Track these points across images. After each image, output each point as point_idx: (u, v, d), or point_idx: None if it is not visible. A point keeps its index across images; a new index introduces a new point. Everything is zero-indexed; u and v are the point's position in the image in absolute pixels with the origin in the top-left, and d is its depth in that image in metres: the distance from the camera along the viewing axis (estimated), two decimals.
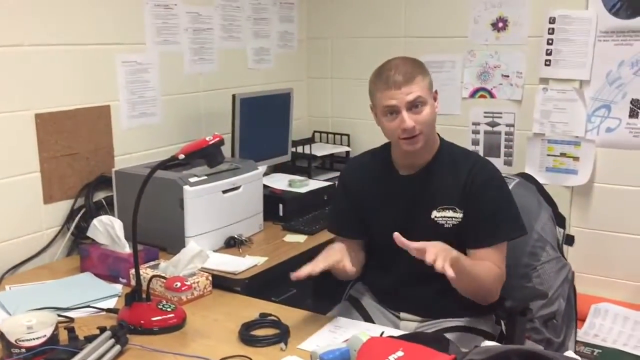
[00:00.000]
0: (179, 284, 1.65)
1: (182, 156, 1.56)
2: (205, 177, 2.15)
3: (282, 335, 1.60)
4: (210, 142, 1.56)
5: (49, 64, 2.17)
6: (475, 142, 3.08)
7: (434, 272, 1.77)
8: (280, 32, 3.24)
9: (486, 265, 1.74)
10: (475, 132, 3.07)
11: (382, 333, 1.45)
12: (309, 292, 2.24)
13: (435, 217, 1.80)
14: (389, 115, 1.74)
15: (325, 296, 2.17)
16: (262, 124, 2.75)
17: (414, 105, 1.72)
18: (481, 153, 3.05)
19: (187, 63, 2.72)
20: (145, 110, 2.54)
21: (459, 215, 1.79)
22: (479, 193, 1.77)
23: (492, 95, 3.01)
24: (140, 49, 2.50)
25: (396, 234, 1.57)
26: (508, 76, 2.95)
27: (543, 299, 1.93)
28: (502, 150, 3.03)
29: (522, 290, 1.80)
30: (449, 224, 1.79)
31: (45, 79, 2.16)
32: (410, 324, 1.86)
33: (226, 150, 2.69)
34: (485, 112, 3.04)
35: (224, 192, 2.20)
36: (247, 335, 1.60)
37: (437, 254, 1.53)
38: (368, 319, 1.91)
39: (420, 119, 1.73)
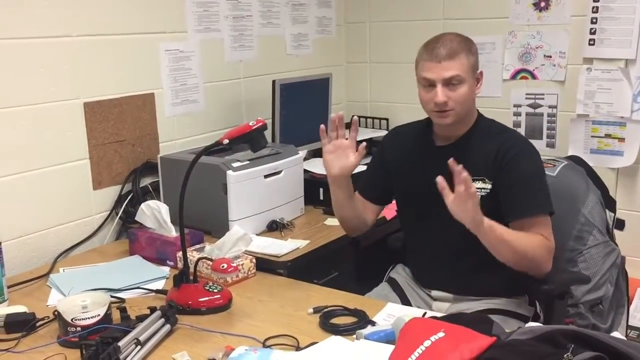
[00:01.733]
0: (225, 266, 1.69)
1: (226, 141, 1.59)
2: (248, 162, 2.19)
3: (362, 322, 1.59)
4: (254, 127, 1.59)
5: (95, 54, 2.23)
6: (516, 125, 3.04)
7: (466, 247, 1.80)
8: (318, 18, 3.25)
9: (529, 234, 1.74)
10: (517, 114, 3.04)
11: (425, 314, 1.46)
12: (350, 274, 2.27)
13: None
14: (427, 87, 1.78)
15: (367, 278, 2.19)
16: (302, 109, 2.77)
17: (451, 82, 1.73)
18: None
19: (228, 50, 2.76)
20: (187, 97, 2.59)
21: (488, 186, 1.80)
22: (510, 165, 1.78)
23: (534, 77, 2.96)
24: (182, 37, 2.54)
25: (439, 178, 1.62)
26: (550, 57, 2.90)
27: (585, 284, 1.92)
28: (545, 132, 2.98)
29: (562, 273, 1.78)
30: (478, 194, 1.79)
31: (92, 68, 2.22)
32: (442, 305, 1.88)
33: (267, 135, 2.71)
34: (527, 94, 3.00)
35: (266, 176, 2.24)
36: (327, 324, 1.60)
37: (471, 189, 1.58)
38: (405, 300, 1.94)
39: (454, 97, 1.74)
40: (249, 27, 2.84)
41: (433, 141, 1.91)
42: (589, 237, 2.01)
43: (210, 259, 1.82)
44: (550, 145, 2.98)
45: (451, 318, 1.39)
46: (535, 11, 2.90)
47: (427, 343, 1.20)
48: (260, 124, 1.61)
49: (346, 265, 2.27)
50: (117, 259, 2.12)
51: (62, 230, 2.20)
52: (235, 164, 2.15)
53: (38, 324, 1.64)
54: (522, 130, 3.02)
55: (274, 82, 2.60)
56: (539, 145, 2.96)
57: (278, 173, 2.29)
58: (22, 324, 1.61)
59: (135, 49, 2.37)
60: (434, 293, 1.93)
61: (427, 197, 1.88)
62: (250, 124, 1.60)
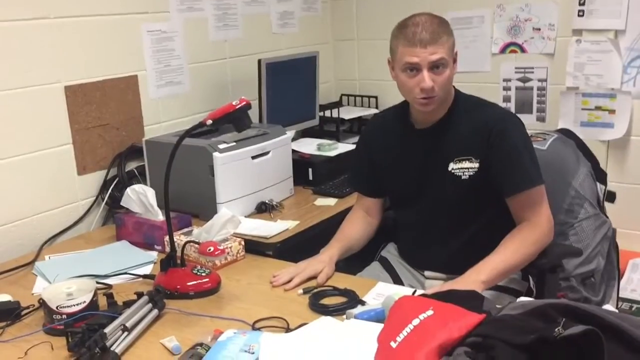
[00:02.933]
0: (212, 249, 1.67)
1: (209, 122, 1.56)
2: (234, 144, 2.16)
3: (352, 302, 1.57)
4: (237, 107, 1.55)
5: (75, 36, 2.18)
6: (506, 99, 3.01)
7: (456, 228, 1.78)
8: None
9: (516, 238, 1.72)
10: (507, 88, 3.01)
11: (414, 292, 1.44)
12: None
13: (452, 169, 1.79)
14: (409, 72, 1.72)
15: (358, 257, 2.17)
16: (289, 88, 2.73)
17: (436, 66, 1.69)
18: (513, 110, 2.99)
19: (212, 30, 2.70)
20: (172, 79, 2.54)
21: (475, 165, 1.77)
22: (498, 139, 1.74)
23: (523, 50, 2.93)
24: (164, 17, 2.49)
25: None
26: (539, 29, 2.86)
27: (577, 257, 1.90)
28: (535, 106, 2.96)
29: (554, 247, 1.77)
30: (465, 175, 1.78)
31: (72, 50, 2.17)
32: (435, 283, 1.86)
33: (254, 116, 2.68)
34: (516, 68, 2.97)
35: (253, 157, 2.21)
36: (317, 304, 1.58)
37: None
38: (397, 279, 1.93)
39: (440, 81, 1.70)
40: (232, 5, 2.78)
41: (412, 125, 1.87)
42: (580, 210, 2.00)
43: (198, 243, 1.80)
44: (541, 119, 2.95)
45: (442, 295, 1.37)
46: None
47: (415, 321, 1.18)
48: (244, 103, 1.58)
49: None
50: (104, 244, 2.09)
51: (47, 217, 2.17)
52: (221, 146, 2.11)
53: (23, 313, 1.62)
54: (512, 105, 3.00)
55: (259, 61, 2.55)
56: (529, 119, 2.95)
57: (266, 154, 2.26)
58: (6, 313, 1.58)
59: (117, 30, 2.31)
60: (427, 273, 1.91)
61: (412, 181, 1.86)
62: (234, 103, 1.56)
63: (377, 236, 2.14)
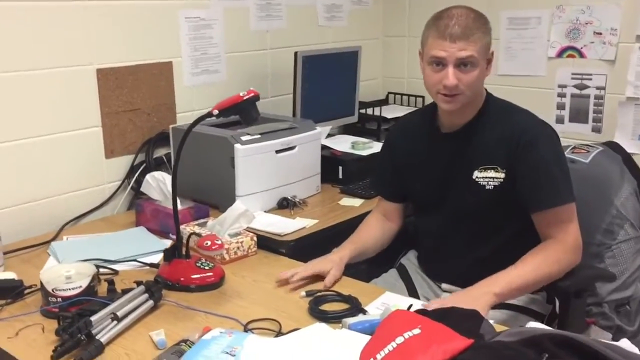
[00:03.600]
0: (209, 243, 1.62)
1: (215, 112, 1.51)
2: (259, 136, 2.10)
3: (352, 310, 1.49)
4: (245, 98, 1.50)
5: (110, 19, 2.18)
6: (560, 107, 2.83)
7: (477, 240, 1.66)
8: None
9: (539, 254, 1.59)
10: (561, 95, 2.82)
11: (410, 307, 1.35)
12: None
13: (477, 177, 1.67)
14: (435, 66, 1.62)
15: (379, 262, 2.08)
16: (328, 83, 2.66)
17: (463, 64, 1.58)
18: (567, 119, 2.81)
19: (253, 19, 2.66)
20: (208, 67, 2.52)
21: (501, 175, 1.65)
22: (526, 150, 1.62)
23: (581, 55, 2.74)
24: (204, 5, 2.46)
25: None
26: (601, 33, 2.66)
27: (610, 282, 1.75)
28: (591, 115, 2.76)
29: (583, 269, 1.62)
30: (490, 185, 1.66)
31: (106, 34, 2.18)
32: None
33: (287, 109, 2.66)
34: (573, 74, 2.78)
35: (278, 151, 2.15)
36: (316, 309, 1.51)
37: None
38: (412, 289, 1.83)
39: (466, 80, 1.59)
40: None
41: (438, 128, 1.77)
42: (620, 231, 1.84)
43: (199, 235, 1.75)
44: (596, 129, 2.76)
45: (440, 312, 1.27)
46: None
47: (399, 339, 1.10)
48: (252, 94, 1.52)
49: None
50: (123, 229, 2.08)
51: (72, 198, 2.18)
52: (244, 137, 2.06)
53: (26, 292, 1.62)
54: (566, 113, 2.82)
55: (296, 53, 2.49)
56: (584, 129, 2.76)
57: (292, 148, 2.19)
58: (7, 291, 1.58)
59: (153, 15, 2.30)
60: (444, 286, 1.81)
61: (434, 187, 1.76)
62: (241, 94, 1.51)
63: (399, 242, 2.05)
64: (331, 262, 1.70)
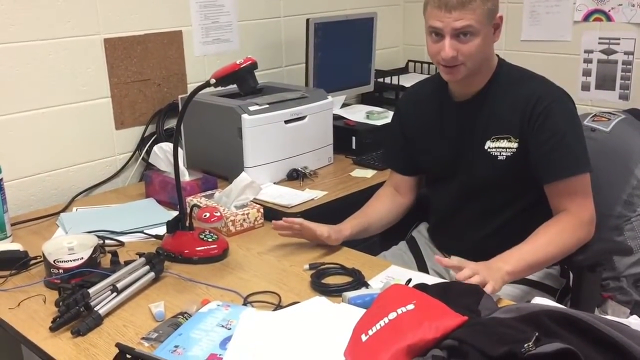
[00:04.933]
0: (208, 215, 1.59)
1: (213, 81, 1.47)
2: (267, 106, 2.06)
3: (355, 283, 1.46)
4: (242, 66, 1.45)
5: None
6: (586, 73, 2.71)
7: (488, 212, 1.61)
8: None
9: (550, 229, 1.52)
10: (588, 61, 2.70)
11: (409, 281, 1.30)
12: None
13: (489, 147, 1.61)
14: (434, 36, 1.55)
15: (390, 235, 2.04)
16: (342, 51, 2.59)
17: (462, 34, 1.50)
18: (593, 85, 2.69)
19: None
20: (219, 36, 2.47)
21: (514, 145, 1.58)
22: (541, 119, 1.54)
23: (609, 18, 2.61)
24: None
25: (436, 258, 1.43)
26: None
27: (627, 255, 1.68)
28: (618, 82, 2.64)
29: (598, 242, 1.55)
30: (502, 155, 1.59)
31: (113, 3, 2.14)
32: None
33: (299, 79, 2.61)
34: (600, 38, 2.65)
35: (287, 122, 2.10)
36: (318, 283, 1.48)
37: (478, 271, 1.37)
38: (421, 262, 1.79)
39: (465, 50, 1.51)
40: None
41: (450, 97, 1.70)
42: None
43: (199, 207, 1.73)
44: (624, 97, 2.64)
45: (440, 287, 1.23)
46: None
47: (392, 315, 1.06)
48: (249, 62, 1.47)
49: None
50: (133, 200, 2.08)
51: (83, 169, 2.18)
52: (252, 108, 2.02)
53: (31, 263, 1.63)
54: (592, 80, 2.70)
55: (307, 20, 2.42)
56: (611, 96, 2.65)
57: (302, 119, 2.14)
58: (12, 262, 1.59)
59: None
60: (454, 258, 1.75)
61: (446, 158, 1.70)
62: (238, 62, 1.46)
63: (411, 215, 2.00)
64: (330, 227, 1.66)
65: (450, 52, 1.51)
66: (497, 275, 1.40)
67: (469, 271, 1.34)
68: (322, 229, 1.63)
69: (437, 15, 1.51)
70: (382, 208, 1.82)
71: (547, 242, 1.51)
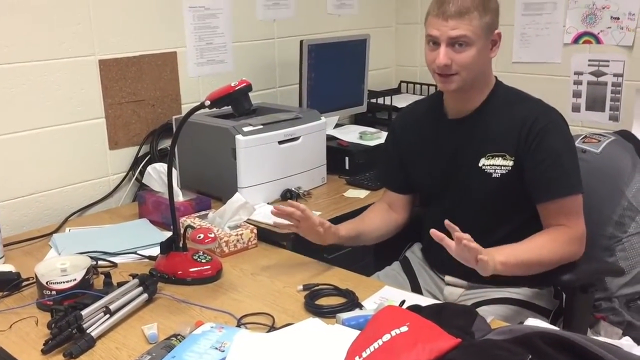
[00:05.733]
0: (202, 236, 1.60)
1: (207, 102, 1.48)
2: (261, 127, 2.07)
3: (349, 305, 1.46)
4: (236, 88, 1.47)
5: (111, 10, 2.16)
6: (576, 94, 2.75)
7: (482, 230, 1.62)
8: None
9: (546, 236, 1.54)
10: (578, 82, 2.74)
11: (403, 302, 1.31)
12: (366, 250, 2.11)
13: (484, 165, 1.63)
14: (431, 45, 1.60)
15: (384, 255, 2.04)
16: (335, 73, 2.61)
17: (457, 43, 1.54)
18: (583, 107, 2.73)
19: (260, 8, 2.62)
20: (214, 57, 2.49)
21: (509, 163, 1.60)
22: (537, 139, 1.57)
23: (598, 41, 2.65)
24: None
25: (447, 222, 1.43)
26: (618, 18, 2.57)
27: (618, 276, 1.69)
28: (608, 103, 2.67)
29: (589, 263, 1.56)
30: (497, 172, 1.61)
31: (108, 25, 2.16)
32: (455, 290, 1.71)
33: (293, 99, 2.63)
34: (589, 60, 2.69)
35: (281, 142, 2.11)
36: (312, 304, 1.48)
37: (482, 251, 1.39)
38: (415, 282, 1.79)
39: (459, 59, 1.54)
40: None
41: (445, 114, 1.72)
42: (631, 223, 1.77)
43: (193, 228, 1.73)
44: (613, 118, 2.67)
45: (433, 308, 1.23)
46: None
47: (386, 337, 1.06)
48: (244, 84, 1.49)
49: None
50: (127, 221, 2.07)
51: (77, 190, 2.18)
52: (246, 128, 2.04)
53: (23, 285, 1.62)
54: (582, 101, 2.73)
55: (301, 42, 2.44)
56: (601, 117, 2.68)
57: (295, 139, 2.16)
58: (4, 283, 1.58)
59: (156, 5, 2.28)
60: (448, 278, 1.76)
61: (440, 175, 1.72)
62: (232, 84, 1.48)
63: (405, 235, 2.01)
64: (325, 223, 1.67)
65: (444, 59, 1.54)
66: (491, 259, 1.42)
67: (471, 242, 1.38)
68: (321, 219, 1.64)
69: (435, 24, 1.55)
70: (377, 219, 1.83)
71: (540, 245, 1.53)
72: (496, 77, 1.71)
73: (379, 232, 1.82)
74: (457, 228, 1.40)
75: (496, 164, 1.63)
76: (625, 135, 1.95)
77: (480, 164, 1.64)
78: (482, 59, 1.59)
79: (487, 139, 1.64)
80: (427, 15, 1.61)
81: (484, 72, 1.64)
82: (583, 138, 1.93)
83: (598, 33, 2.64)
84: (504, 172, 1.61)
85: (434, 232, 1.42)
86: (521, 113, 1.62)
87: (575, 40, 2.71)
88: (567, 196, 1.56)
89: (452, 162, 1.70)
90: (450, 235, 1.72)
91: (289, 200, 1.68)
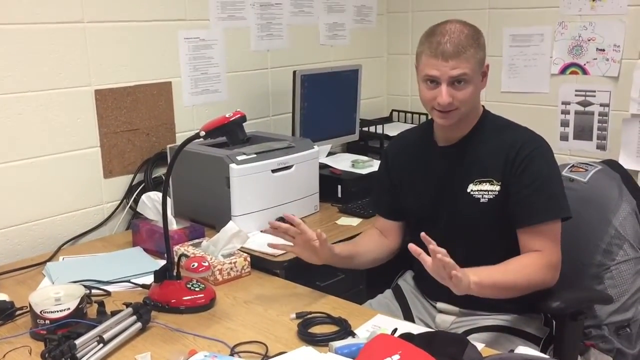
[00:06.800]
0: (196, 264, 1.61)
1: (202, 133, 1.51)
2: (254, 156, 2.10)
3: (341, 333, 1.47)
4: (231, 119, 1.50)
5: (108, 41, 2.20)
6: (564, 124, 2.80)
7: (472, 256, 1.64)
8: (357, 7, 3.12)
9: (521, 261, 1.57)
10: (565, 112, 2.79)
11: (395, 330, 1.32)
12: (359, 277, 2.14)
13: (472, 190, 1.66)
14: (429, 84, 1.62)
15: (377, 283, 2.06)
16: (328, 102, 2.65)
17: (457, 81, 1.57)
18: (571, 136, 2.78)
19: (254, 39, 2.67)
20: (208, 87, 2.53)
21: (496, 188, 1.64)
22: (523, 165, 1.61)
23: (585, 72, 2.71)
24: (203, 25, 2.48)
25: (422, 235, 1.44)
26: (604, 50, 2.64)
27: (607, 304, 1.71)
28: (595, 132, 2.73)
29: (578, 291, 1.59)
30: (485, 198, 1.65)
31: (104, 55, 2.19)
32: (447, 317, 1.73)
33: (286, 128, 2.66)
34: (576, 91, 2.75)
35: (274, 171, 2.14)
36: (305, 332, 1.49)
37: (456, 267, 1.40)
38: (407, 310, 1.80)
39: (460, 96, 1.58)
40: (277, 15, 2.74)
41: (435, 142, 1.76)
42: (619, 251, 1.80)
43: (187, 256, 1.75)
44: (601, 147, 2.72)
45: (425, 337, 1.25)
46: (588, 0, 2.64)
47: None
48: (238, 116, 1.52)
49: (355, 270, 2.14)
50: (120, 249, 2.08)
51: (70, 218, 2.19)
52: (240, 157, 2.06)
53: (17, 314, 1.62)
54: (570, 130, 2.79)
55: (294, 72, 2.49)
56: (588, 146, 2.73)
57: (288, 168, 2.19)
58: None
59: (151, 36, 2.32)
60: (439, 305, 1.78)
61: (429, 201, 1.75)
62: (227, 115, 1.51)
63: (396, 263, 2.03)
64: (321, 240, 1.67)
65: (447, 98, 1.58)
66: (465, 277, 1.43)
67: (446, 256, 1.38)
68: (317, 231, 1.66)
69: (433, 64, 1.58)
70: (370, 243, 1.86)
71: (516, 269, 1.56)
72: (483, 106, 1.75)
73: (372, 255, 1.85)
74: (432, 241, 1.41)
75: (483, 189, 1.66)
76: (612, 164, 1.99)
77: (468, 190, 1.68)
78: (478, 92, 1.64)
79: (475, 165, 1.68)
80: (420, 55, 1.64)
81: (476, 103, 1.69)
82: (571, 167, 1.97)
83: (584, 64, 2.71)
84: (491, 196, 1.65)
85: (411, 246, 1.43)
86: (508, 140, 1.66)
87: (563, 71, 2.77)
88: (550, 220, 1.59)
89: (441, 188, 1.73)
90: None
91: (284, 212, 1.69)
